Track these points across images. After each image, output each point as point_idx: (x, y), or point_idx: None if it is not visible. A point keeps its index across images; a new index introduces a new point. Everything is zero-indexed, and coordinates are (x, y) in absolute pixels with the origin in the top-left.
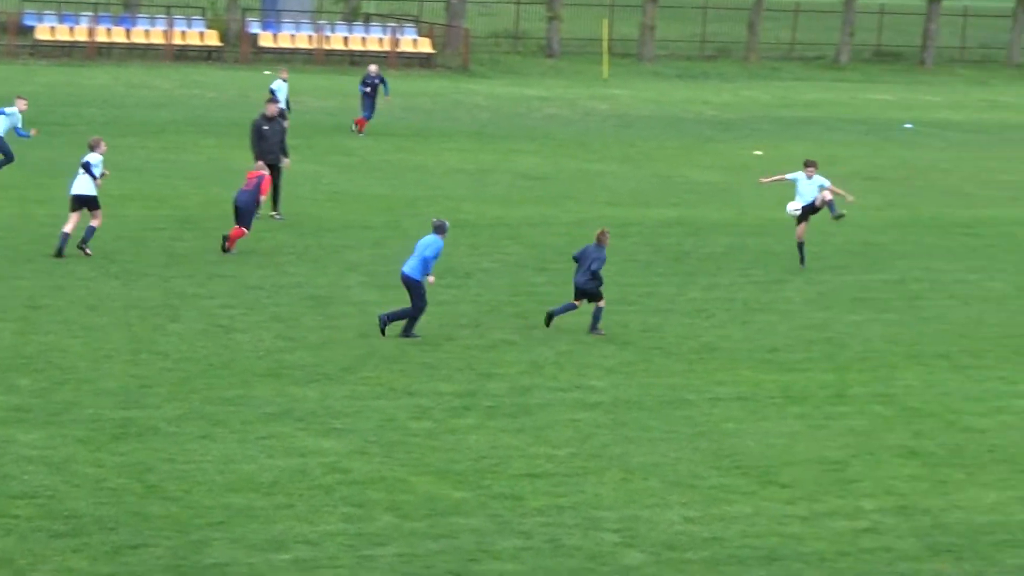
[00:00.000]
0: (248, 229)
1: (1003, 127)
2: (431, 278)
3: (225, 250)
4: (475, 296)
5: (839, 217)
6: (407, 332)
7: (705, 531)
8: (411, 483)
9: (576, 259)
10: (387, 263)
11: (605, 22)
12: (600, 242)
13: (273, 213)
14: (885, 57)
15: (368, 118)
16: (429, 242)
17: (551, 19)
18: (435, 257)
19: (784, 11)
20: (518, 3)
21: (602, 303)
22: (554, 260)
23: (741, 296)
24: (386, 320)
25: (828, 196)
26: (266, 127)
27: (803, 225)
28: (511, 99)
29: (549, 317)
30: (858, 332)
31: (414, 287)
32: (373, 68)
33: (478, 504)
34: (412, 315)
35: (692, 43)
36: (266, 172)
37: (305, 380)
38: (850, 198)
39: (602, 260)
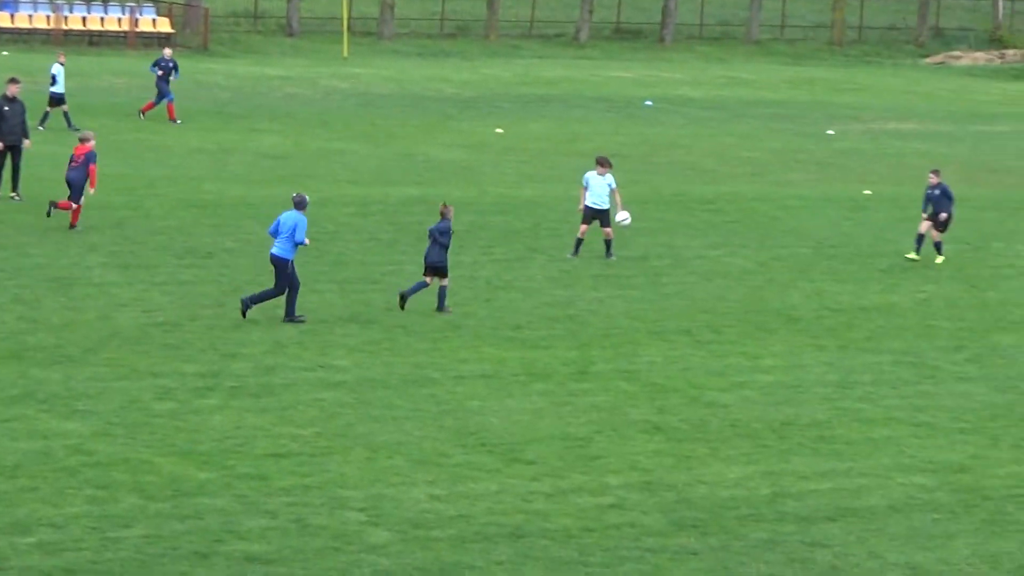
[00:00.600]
0: (77, 203)
1: (742, 103)
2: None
3: (71, 226)
4: (217, 276)
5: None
6: (290, 316)
7: (451, 509)
8: (155, 464)
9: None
10: (128, 243)
11: (345, 1)
12: (444, 217)
13: (13, 194)
14: (625, 34)
15: (171, 100)
16: (294, 221)
17: None
18: (299, 233)
19: None
20: None
21: (447, 281)
22: None
23: (484, 274)
24: (248, 303)
25: (625, 219)
26: (7, 108)
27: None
28: (251, 78)
29: (402, 299)
30: (601, 309)
31: (282, 267)
32: (167, 52)
33: (223, 485)
34: (273, 295)
35: (432, 21)
36: (91, 144)
37: (47, 362)
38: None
39: (449, 235)
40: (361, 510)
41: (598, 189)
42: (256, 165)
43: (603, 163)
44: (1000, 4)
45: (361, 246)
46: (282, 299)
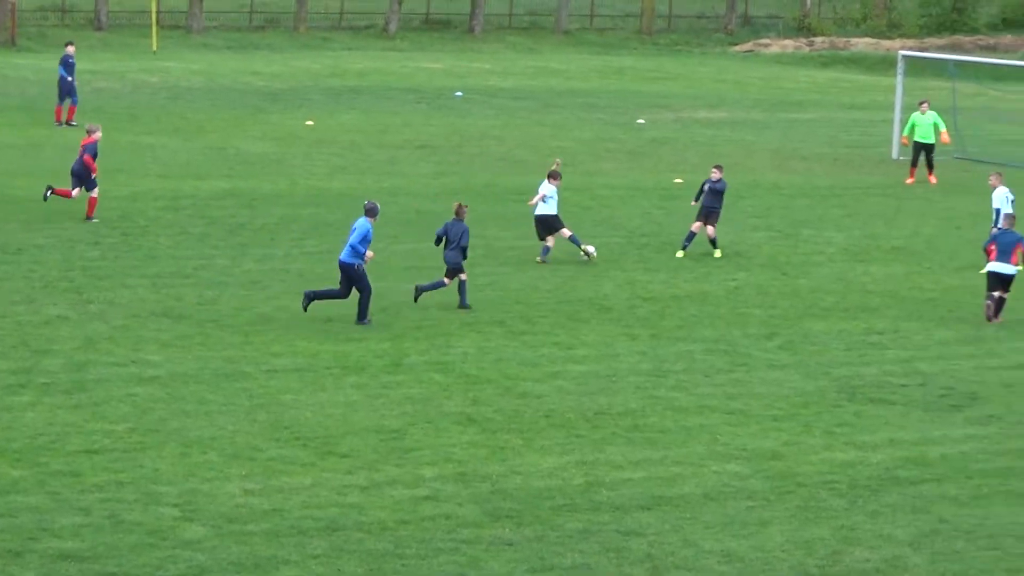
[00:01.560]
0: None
1: (553, 93)
2: (370, 253)
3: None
4: (28, 272)
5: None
6: (361, 318)
7: (265, 503)
8: None
9: (440, 237)
10: None
11: None
12: (459, 216)
13: None
14: (434, 25)
15: (75, 103)
16: (356, 226)
17: None
18: (363, 241)
19: None
20: None
21: (464, 275)
22: (108, 234)
23: (296, 267)
24: (312, 296)
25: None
26: None
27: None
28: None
29: (418, 292)
30: (408, 300)
31: (349, 272)
32: (71, 48)
33: (36, 482)
34: (365, 300)
35: (241, 14)
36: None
37: None
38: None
39: (467, 233)
40: (175, 505)
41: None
42: (66, 160)
43: (555, 176)
44: None
45: (172, 240)
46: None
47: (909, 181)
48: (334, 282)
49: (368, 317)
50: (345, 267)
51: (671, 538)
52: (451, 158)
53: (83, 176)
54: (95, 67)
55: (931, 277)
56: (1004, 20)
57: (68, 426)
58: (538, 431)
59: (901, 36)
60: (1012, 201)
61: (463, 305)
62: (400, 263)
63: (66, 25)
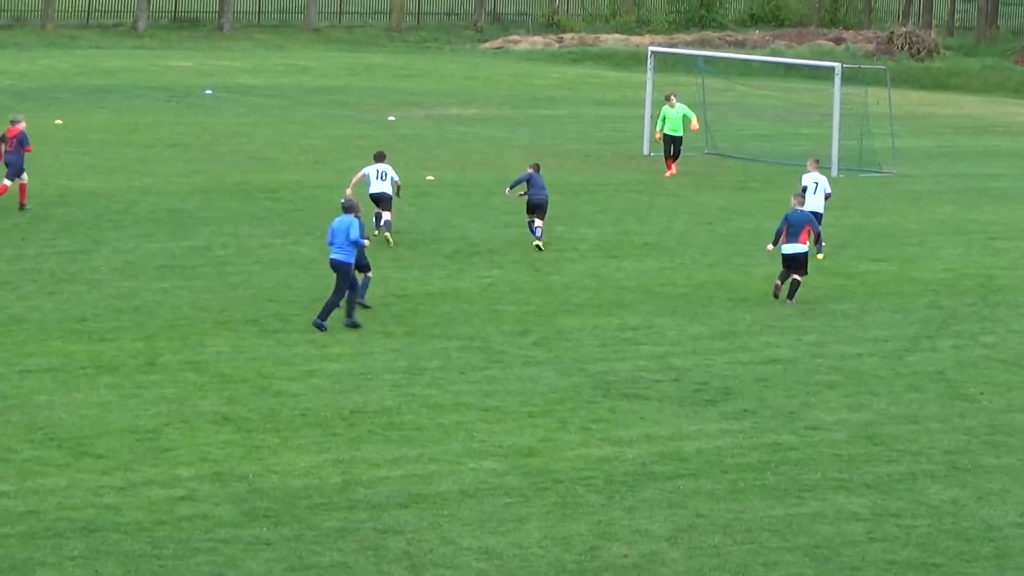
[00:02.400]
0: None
1: (303, 91)
2: (366, 241)
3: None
4: None
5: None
6: (350, 319)
7: (20, 505)
8: None
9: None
10: None
11: None
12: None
13: None
14: (183, 23)
15: None
16: (347, 224)
17: None
18: (359, 235)
19: None
20: None
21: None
22: None
23: (48, 266)
24: (321, 324)
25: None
26: None
27: None
28: None
29: (353, 307)
30: (166, 300)
31: (344, 271)
32: None
33: None
34: (337, 301)
35: None
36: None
37: None
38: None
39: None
40: None
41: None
42: None
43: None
44: None
45: None
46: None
47: (668, 174)
48: (84, 281)
49: (326, 321)
50: (341, 265)
51: (429, 536)
52: (202, 156)
53: (19, 166)
54: None
55: (683, 273)
56: (752, 16)
57: None
58: (294, 430)
59: (650, 32)
60: (817, 186)
61: (356, 309)
62: (152, 262)
63: None
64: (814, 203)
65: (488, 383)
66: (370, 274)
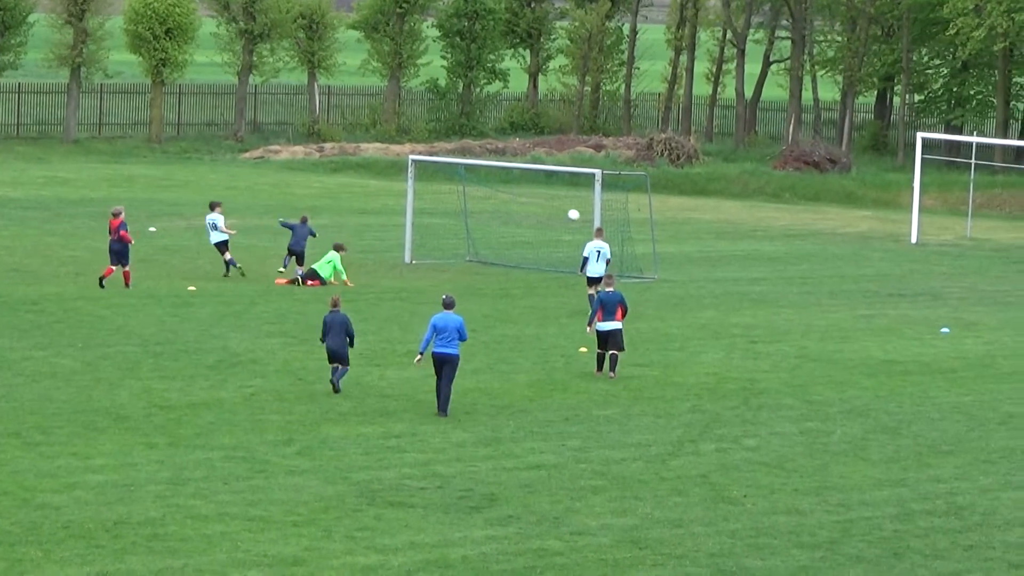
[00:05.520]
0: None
1: (63, 203)
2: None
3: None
4: None
5: None
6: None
7: None
8: None
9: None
10: None
11: None
12: (336, 307)
13: None
14: None
15: None
16: (459, 323)
17: None
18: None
19: None
20: None
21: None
22: None
23: None
24: (445, 408)
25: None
26: None
27: None
28: None
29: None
30: None
31: (453, 363)
32: None
33: None
34: (449, 389)
35: None
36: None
37: None
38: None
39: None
40: None
41: None
42: None
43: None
44: (317, 98)
45: None
46: None
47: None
48: None
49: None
50: (450, 358)
51: None
52: None
53: (122, 253)
54: None
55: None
56: (512, 124)
57: None
58: (57, 542)
59: (411, 140)
60: (601, 254)
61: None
62: None
63: None
64: (597, 269)
65: (252, 492)
66: (348, 368)
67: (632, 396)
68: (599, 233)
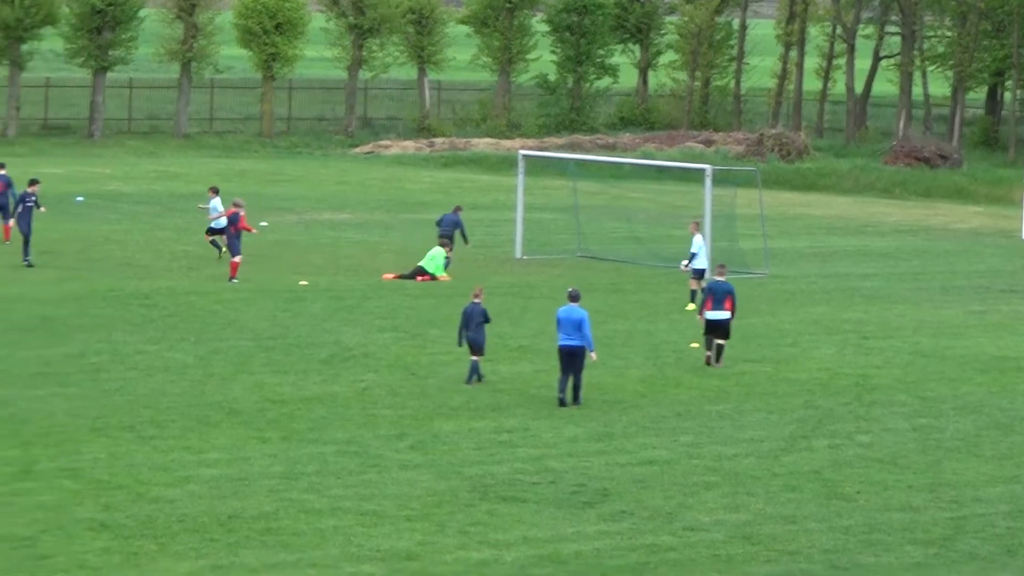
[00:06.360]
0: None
1: (174, 197)
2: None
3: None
4: None
5: None
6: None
7: None
8: None
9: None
10: None
11: None
12: (477, 298)
13: None
14: (53, 130)
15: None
16: (580, 317)
17: None
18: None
19: None
20: None
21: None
22: None
23: None
24: (573, 398)
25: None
26: None
27: None
28: None
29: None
30: (41, 407)
31: (580, 354)
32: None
33: None
34: (581, 380)
35: None
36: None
37: None
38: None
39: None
40: None
41: None
42: None
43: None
44: (427, 94)
45: None
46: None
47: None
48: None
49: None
50: (575, 350)
51: None
52: (73, 263)
53: (236, 246)
54: None
55: (558, 375)
56: (622, 119)
57: None
58: (172, 536)
59: (521, 136)
60: (694, 253)
61: (469, 381)
62: (26, 370)
63: None
64: (703, 263)
65: (365, 487)
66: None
67: (744, 392)
68: (695, 227)
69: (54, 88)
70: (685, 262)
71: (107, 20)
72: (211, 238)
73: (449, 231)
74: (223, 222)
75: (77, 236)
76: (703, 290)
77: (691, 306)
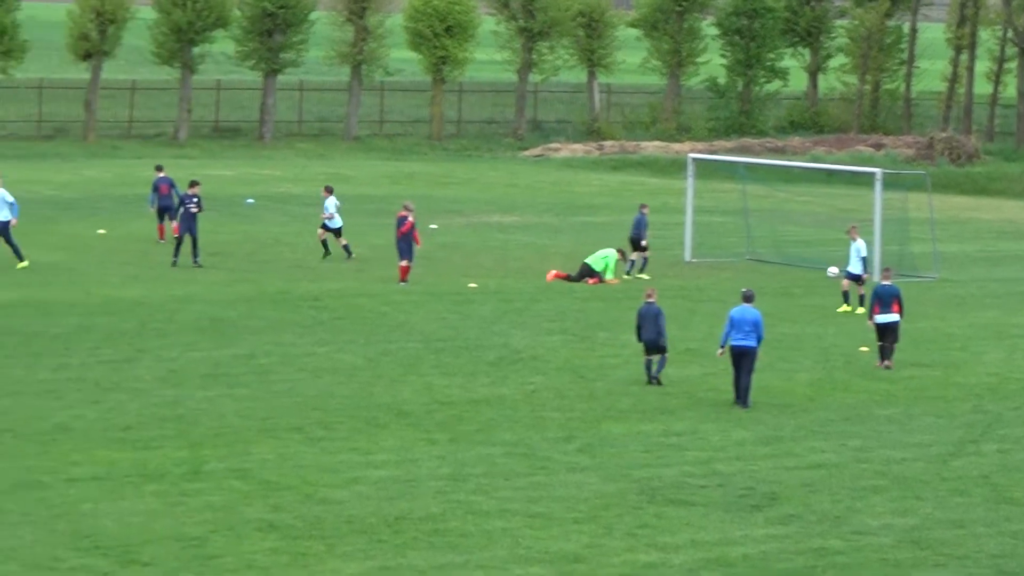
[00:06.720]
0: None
1: (343, 199)
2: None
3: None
4: None
5: None
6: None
7: None
8: None
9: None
10: None
11: None
12: (650, 298)
13: None
14: (224, 133)
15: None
16: (756, 317)
17: None
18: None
19: (121, 89)
20: None
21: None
22: None
23: (92, 376)
24: (742, 401)
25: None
26: None
27: None
28: None
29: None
30: (211, 408)
31: (752, 355)
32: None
33: None
34: (748, 383)
35: (29, 123)
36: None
37: None
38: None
39: (662, 315)
40: None
41: None
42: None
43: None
44: (596, 97)
45: None
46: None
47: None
48: (129, 390)
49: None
50: (750, 351)
51: None
52: (243, 265)
53: (405, 249)
54: None
55: (727, 378)
56: (791, 122)
57: None
58: (340, 537)
59: (690, 139)
60: (863, 257)
61: (653, 378)
62: (196, 371)
63: None
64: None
65: (533, 489)
66: (666, 355)
67: (913, 396)
68: (853, 231)
69: (225, 91)
70: (835, 268)
71: (278, 23)
72: (323, 237)
73: (640, 233)
74: (338, 222)
75: (247, 238)
76: (872, 295)
77: (844, 307)
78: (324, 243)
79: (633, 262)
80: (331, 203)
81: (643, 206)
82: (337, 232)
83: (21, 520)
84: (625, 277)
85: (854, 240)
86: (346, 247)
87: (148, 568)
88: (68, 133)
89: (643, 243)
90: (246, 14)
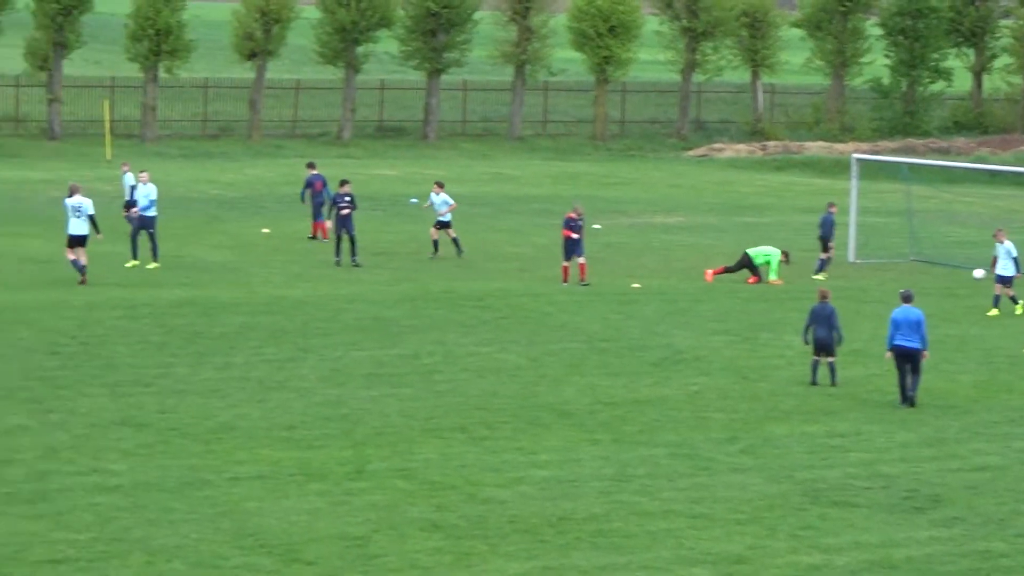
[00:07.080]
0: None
1: (507, 199)
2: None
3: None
4: None
5: None
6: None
7: None
8: None
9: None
10: None
11: (106, 103)
12: (825, 298)
13: None
14: (388, 132)
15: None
16: (918, 317)
17: (51, 101)
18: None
19: (285, 89)
20: (17, 86)
21: (834, 358)
22: (66, 344)
23: (256, 375)
24: (909, 400)
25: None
26: None
27: None
28: (14, 183)
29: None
30: (374, 407)
31: (916, 356)
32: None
33: None
34: (915, 383)
35: (194, 122)
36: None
37: None
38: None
39: (835, 314)
40: None
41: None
42: (21, 271)
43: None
44: (760, 97)
45: (131, 349)
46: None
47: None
48: (292, 389)
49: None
50: (916, 353)
51: None
52: (407, 265)
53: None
54: (49, 176)
55: (891, 379)
56: (956, 123)
57: (31, 536)
58: (503, 537)
59: (854, 139)
60: (1015, 257)
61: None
62: (359, 370)
63: (19, 135)
64: (1011, 269)
65: (696, 490)
66: (835, 359)
67: None
68: (1000, 234)
69: (389, 90)
70: (981, 271)
71: (442, 22)
72: (436, 236)
73: (828, 232)
74: (450, 217)
75: (411, 237)
76: None
77: (993, 311)
78: (435, 243)
79: (823, 260)
80: (442, 198)
81: (831, 204)
82: (446, 225)
83: (186, 518)
84: (815, 278)
85: (1001, 243)
86: (455, 240)
87: (311, 567)
88: (233, 132)
89: (830, 244)
90: (410, 14)
